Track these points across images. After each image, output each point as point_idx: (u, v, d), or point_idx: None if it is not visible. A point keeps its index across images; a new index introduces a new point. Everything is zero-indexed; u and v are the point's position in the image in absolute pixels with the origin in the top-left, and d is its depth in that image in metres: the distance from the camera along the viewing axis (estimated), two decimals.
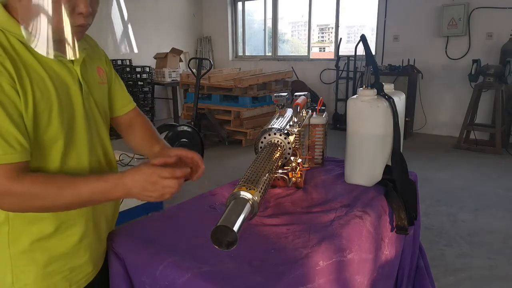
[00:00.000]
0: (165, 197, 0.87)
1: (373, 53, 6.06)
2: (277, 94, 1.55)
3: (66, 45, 0.87)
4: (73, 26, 0.83)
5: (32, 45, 0.80)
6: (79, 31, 0.87)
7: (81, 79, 0.93)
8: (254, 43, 8.34)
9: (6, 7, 0.84)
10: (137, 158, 2.92)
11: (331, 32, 7.18)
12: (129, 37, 6.11)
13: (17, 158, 0.78)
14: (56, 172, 0.88)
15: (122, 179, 0.85)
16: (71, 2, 0.81)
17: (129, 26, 6.16)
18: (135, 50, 6.06)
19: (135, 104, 1.21)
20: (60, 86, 0.88)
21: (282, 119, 1.39)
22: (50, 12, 0.78)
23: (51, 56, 0.82)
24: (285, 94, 1.58)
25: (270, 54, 7.90)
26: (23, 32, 0.80)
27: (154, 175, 0.85)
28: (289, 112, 1.46)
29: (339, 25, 6.77)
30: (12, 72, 0.78)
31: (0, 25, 0.82)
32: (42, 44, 0.81)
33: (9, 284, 0.88)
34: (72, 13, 0.82)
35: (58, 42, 0.83)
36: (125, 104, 1.16)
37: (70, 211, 0.91)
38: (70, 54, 0.85)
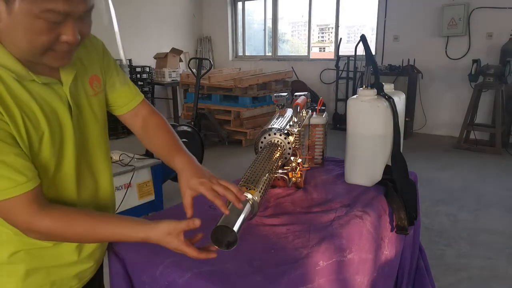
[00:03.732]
0: None
1: (373, 53, 6.06)
2: (277, 94, 1.55)
3: (49, 69, 0.83)
4: (54, 52, 0.77)
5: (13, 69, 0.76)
6: (63, 57, 0.79)
7: (70, 102, 0.87)
8: (254, 43, 8.34)
9: None
10: (137, 158, 2.93)
11: (331, 32, 7.18)
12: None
13: (32, 185, 0.77)
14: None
15: (147, 237, 0.84)
16: (56, 29, 0.73)
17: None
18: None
19: (142, 96, 1.12)
20: (50, 113, 0.83)
21: (282, 119, 1.39)
22: (29, 36, 0.72)
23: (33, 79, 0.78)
24: (285, 94, 1.58)
25: (270, 54, 7.90)
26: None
27: (178, 247, 0.83)
28: (289, 112, 1.46)
29: (339, 25, 6.77)
30: (2, 111, 0.74)
31: None
32: (22, 69, 0.77)
33: None
34: (56, 41, 0.75)
35: (40, 66, 0.79)
36: (129, 100, 1.08)
37: None
38: (53, 78, 0.82)
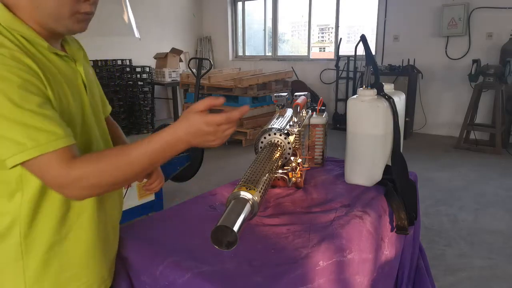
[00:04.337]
0: (225, 140, 0.83)
1: (373, 53, 6.06)
2: (277, 94, 1.55)
3: (70, 35, 0.87)
4: (79, 14, 0.81)
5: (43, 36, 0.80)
6: (85, 19, 0.84)
7: (84, 80, 0.90)
8: (254, 43, 8.34)
9: (6, 6, 0.80)
10: None
11: (331, 32, 7.18)
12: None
13: (68, 141, 0.74)
14: None
15: (176, 136, 0.79)
16: None
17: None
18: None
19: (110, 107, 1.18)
20: (74, 89, 0.85)
21: (282, 119, 1.38)
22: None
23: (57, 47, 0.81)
24: (285, 94, 1.57)
25: (270, 54, 7.90)
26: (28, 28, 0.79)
27: (210, 126, 0.78)
28: (289, 112, 1.46)
29: (339, 25, 6.77)
30: (40, 74, 0.75)
31: (7, 25, 0.77)
32: (45, 42, 0.80)
33: None
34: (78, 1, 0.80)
35: (52, 42, 0.82)
36: (106, 109, 1.12)
37: (78, 218, 0.87)
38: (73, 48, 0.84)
